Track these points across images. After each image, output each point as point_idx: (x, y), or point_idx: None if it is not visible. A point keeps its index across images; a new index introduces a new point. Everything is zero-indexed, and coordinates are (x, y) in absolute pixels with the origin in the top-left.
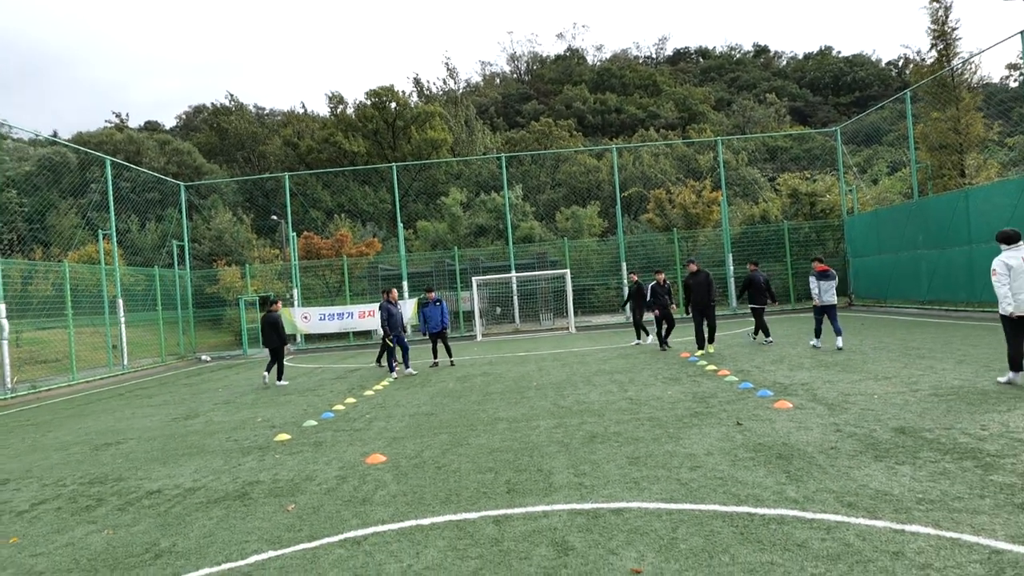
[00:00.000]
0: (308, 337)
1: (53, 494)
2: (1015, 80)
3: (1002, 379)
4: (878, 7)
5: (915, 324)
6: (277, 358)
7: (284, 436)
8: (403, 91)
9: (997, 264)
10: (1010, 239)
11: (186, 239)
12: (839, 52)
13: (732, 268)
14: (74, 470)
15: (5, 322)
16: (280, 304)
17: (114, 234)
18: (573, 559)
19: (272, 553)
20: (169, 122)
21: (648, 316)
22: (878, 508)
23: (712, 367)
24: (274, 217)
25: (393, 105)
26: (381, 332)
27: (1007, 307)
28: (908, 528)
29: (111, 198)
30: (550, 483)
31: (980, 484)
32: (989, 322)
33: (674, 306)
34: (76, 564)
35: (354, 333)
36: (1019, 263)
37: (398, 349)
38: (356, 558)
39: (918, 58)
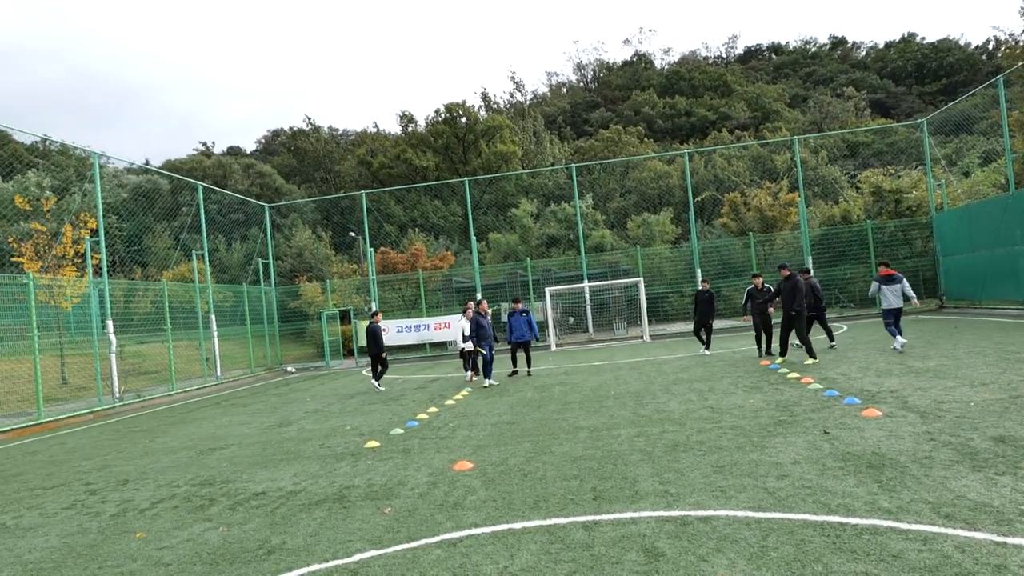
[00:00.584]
0: (387, 349)
1: (169, 494)
2: None
3: None
4: None
5: (1014, 326)
6: (379, 363)
7: (373, 443)
8: (473, 105)
9: None
10: None
11: (271, 257)
12: (923, 38)
13: (812, 272)
14: (184, 472)
15: (113, 337)
16: (380, 315)
17: (207, 254)
18: (664, 565)
19: (375, 552)
20: (249, 146)
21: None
22: (978, 519)
23: (795, 375)
24: (351, 234)
25: (463, 120)
26: (460, 344)
27: None
28: (1011, 540)
29: (203, 220)
30: (636, 490)
31: None
32: None
33: (771, 309)
34: (199, 557)
35: (431, 344)
36: None
37: (480, 359)
38: (454, 559)
39: (1011, 40)
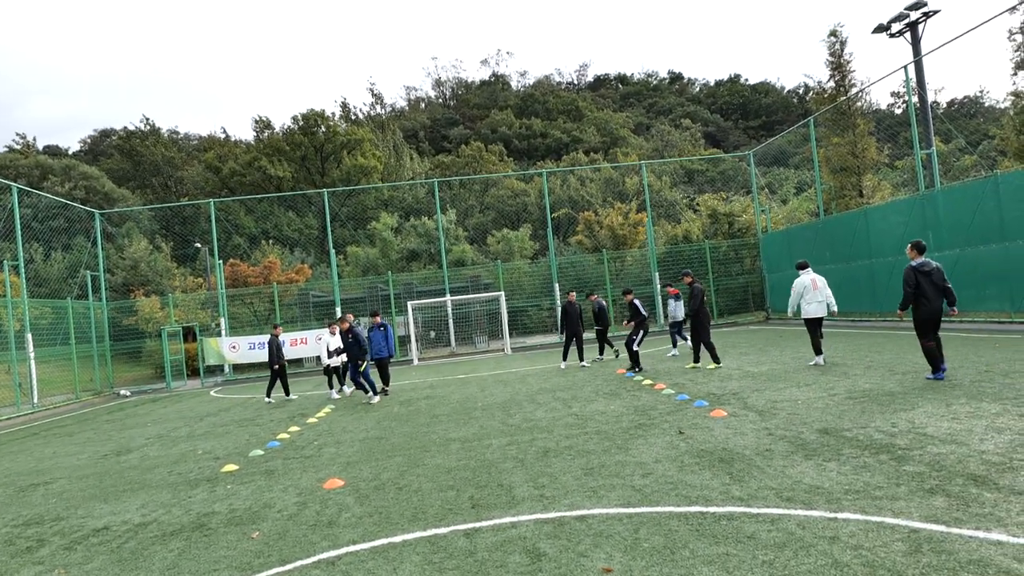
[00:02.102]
0: (237, 367)
1: None
2: (899, 107)
3: (811, 362)
4: (781, 38)
5: (828, 335)
6: (278, 378)
7: (231, 466)
8: (333, 114)
9: (796, 284)
10: (802, 266)
11: (101, 269)
12: (747, 80)
13: (659, 287)
14: (2, 513)
15: None
16: (280, 329)
17: (22, 265)
18: (547, 563)
19: None
20: (72, 146)
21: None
22: (813, 500)
23: (648, 382)
24: (197, 245)
25: (322, 130)
26: (326, 360)
27: (802, 312)
28: (840, 516)
29: (19, 227)
30: (512, 496)
31: (896, 474)
32: (889, 330)
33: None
34: None
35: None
36: (810, 282)
37: (340, 373)
38: None
39: (819, 87)
